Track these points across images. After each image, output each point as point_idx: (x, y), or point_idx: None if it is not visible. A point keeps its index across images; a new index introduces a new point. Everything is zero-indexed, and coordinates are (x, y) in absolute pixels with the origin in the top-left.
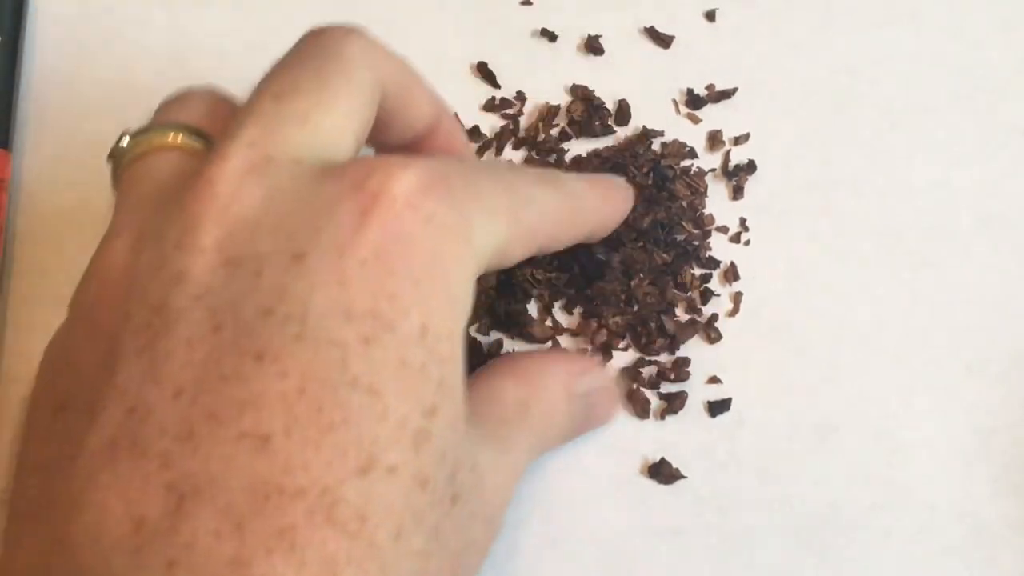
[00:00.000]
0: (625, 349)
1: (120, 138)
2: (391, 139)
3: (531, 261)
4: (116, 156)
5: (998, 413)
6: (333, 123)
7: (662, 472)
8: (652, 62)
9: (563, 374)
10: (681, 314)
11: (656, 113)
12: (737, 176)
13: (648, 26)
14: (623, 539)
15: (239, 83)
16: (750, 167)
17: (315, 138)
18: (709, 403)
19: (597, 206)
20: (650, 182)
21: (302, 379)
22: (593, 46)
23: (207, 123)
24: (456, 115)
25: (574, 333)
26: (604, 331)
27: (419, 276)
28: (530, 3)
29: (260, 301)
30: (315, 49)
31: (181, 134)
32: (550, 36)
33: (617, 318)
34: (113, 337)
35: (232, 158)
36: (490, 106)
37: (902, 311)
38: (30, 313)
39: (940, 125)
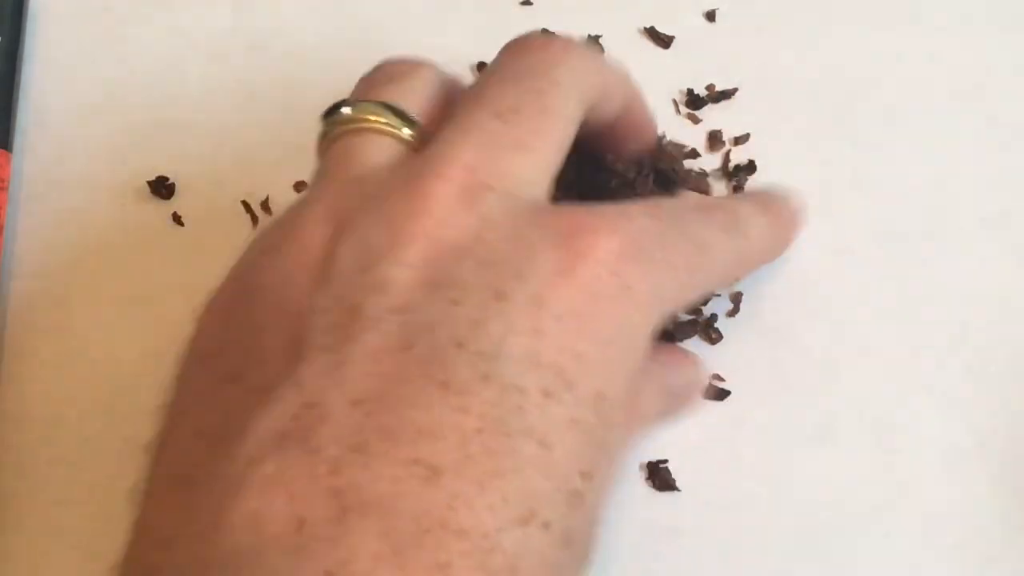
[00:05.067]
0: None
1: (338, 106)
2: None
3: None
4: (329, 124)
5: (998, 413)
6: (548, 153)
7: (659, 477)
8: (652, 62)
9: (660, 369)
10: (681, 314)
11: (656, 113)
12: (737, 176)
13: (648, 26)
14: (622, 540)
15: (239, 83)
16: (750, 167)
17: (531, 170)
18: (707, 389)
19: (770, 246)
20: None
21: (481, 419)
22: (593, 46)
23: (426, 111)
24: (643, 99)
25: None
26: None
27: (606, 341)
28: (530, 3)
29: (455, 331)
30: (528, 68)
31: (402, 124)
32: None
33: None
34: (299, 324)
35: (451, 179)
36: None
37: (902, 311)
38: (30, 313)
39: (940, 125)
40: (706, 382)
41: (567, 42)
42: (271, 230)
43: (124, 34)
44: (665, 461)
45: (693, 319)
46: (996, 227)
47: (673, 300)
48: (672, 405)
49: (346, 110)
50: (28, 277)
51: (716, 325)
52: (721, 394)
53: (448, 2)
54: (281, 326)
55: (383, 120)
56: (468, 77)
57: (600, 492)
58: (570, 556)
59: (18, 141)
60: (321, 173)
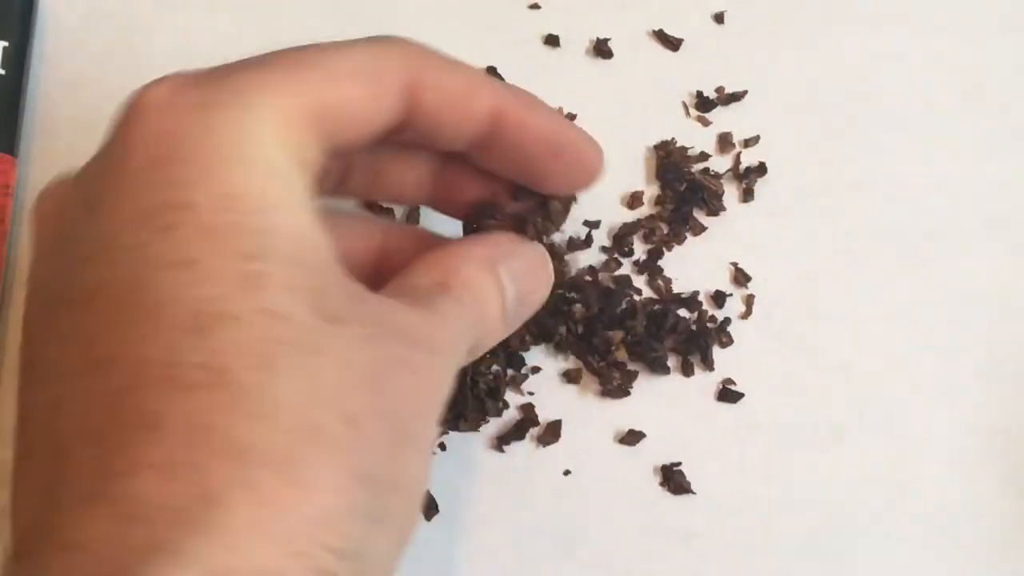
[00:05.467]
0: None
1: None
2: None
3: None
4: None
5: (1007, 413)
6: None
7: (673, 480)
8: (661, 65)
9: (485, 259)
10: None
11: (666, 116)
12: (748, 178)
13: (657, 29)
14: (636, 542)
15: None
16: (760, 169)
17: None
18: (720, 391)
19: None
20: (685, 190)
21: (117, 293)
22: (602, 49)
23: None
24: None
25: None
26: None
27: (203, 153)
28: (538, 7)
29: (77, 253)
30: None
31: None
32: (558, 40)
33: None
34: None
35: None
36: None
37: (912, 312)
38: None
39: (949, 126)
40: (545, 263)
41: None
42: None
43: (130, 41)
44: (679, 464)
45: (705, 324)
46: (1002, 227)
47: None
48: (522, 287)
49: None
50: None
51: (728, 329)
52: (734, 397)
53: (455, 5)
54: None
55: None
56: None
57: (291, 264)
58: (297, 327)
59: (24, 147)
60: None
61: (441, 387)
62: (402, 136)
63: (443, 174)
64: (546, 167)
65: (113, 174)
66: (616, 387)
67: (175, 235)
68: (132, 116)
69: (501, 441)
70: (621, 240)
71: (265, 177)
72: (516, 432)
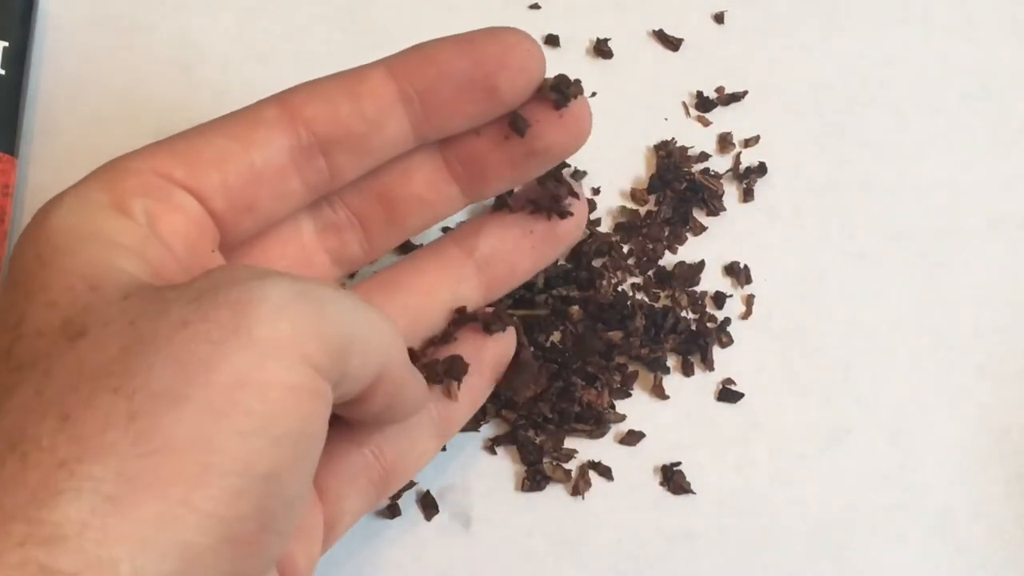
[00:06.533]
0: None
1: None
2: None
3: None
4: None
5: (1012, 413)
6: None
7: (673, 481)
8: (661, 65)
9: None
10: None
11: (666, 116)
12: (747, 178)
13: (657, 29)
14: (637, 542)
15: (245, 91)
16: (760, 169)
17: None
18: (720, 391)
19: None
20: (685, 190)
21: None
22: (602, 50)
23: None
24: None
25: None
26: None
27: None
28: (538, 7)
29: None
30: None
31: None
32: (558, 40)
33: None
34: None
35: None
36: None
37: (914, 312)
38: None
39: (950, 126)
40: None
41: None
42: None
43: (131, 42)
44: (679, 464)
45: (705, 323)
46: (1006, 227)
47: None
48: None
49: None
50: None
51: (728, 329)
52: (734, 397)
53: (455, 7)
54: None
55: None
56: None
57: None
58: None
59: (24, 147)
60: None
61: (215, 366)
62: (352, 148)
63: (456, 163)
64: (485, 79)
65: None
66: (616, 387)
67: None
68: None
69: (494, 443)
70: (621, 240)
71: (52, 243)
72: (509, 436)
